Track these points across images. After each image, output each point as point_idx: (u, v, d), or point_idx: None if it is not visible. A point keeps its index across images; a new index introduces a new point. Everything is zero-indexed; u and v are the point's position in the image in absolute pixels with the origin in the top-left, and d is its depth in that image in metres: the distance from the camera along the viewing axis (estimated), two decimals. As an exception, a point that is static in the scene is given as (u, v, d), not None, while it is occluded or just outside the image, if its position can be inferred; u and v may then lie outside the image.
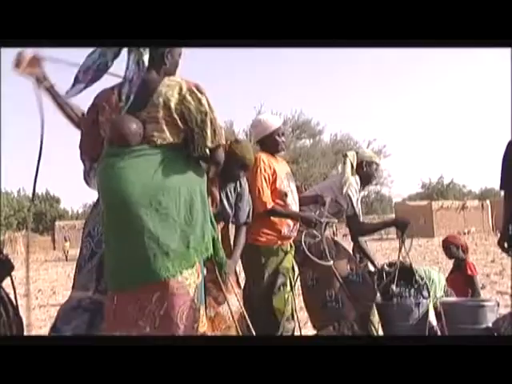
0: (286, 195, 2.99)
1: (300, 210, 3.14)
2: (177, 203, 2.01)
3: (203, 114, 2.06)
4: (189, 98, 2.05)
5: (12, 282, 2.31)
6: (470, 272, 4.13)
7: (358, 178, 3.48)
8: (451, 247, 4.27)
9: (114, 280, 2.00)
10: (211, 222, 2.20)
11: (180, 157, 2.09)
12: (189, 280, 1.99)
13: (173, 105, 2.04)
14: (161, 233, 1.94)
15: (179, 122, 2.06)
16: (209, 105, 2.09)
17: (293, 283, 3.09)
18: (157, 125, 2.04)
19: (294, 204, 3.08)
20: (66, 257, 21.17)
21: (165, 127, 2.05)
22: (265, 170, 2.94)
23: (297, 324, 3.07)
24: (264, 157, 2.99)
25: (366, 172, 3.54)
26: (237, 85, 62.60)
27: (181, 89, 2.07)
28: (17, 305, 2.30)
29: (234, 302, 2.51)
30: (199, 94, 2.08)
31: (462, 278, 4.07)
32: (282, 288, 2.93)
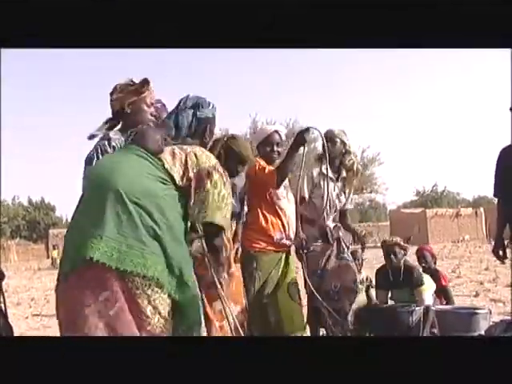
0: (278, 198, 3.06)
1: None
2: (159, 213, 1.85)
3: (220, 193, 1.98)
4: (216, 176, 1.98)
5: (1, 290, 2.31)
6: (444, 283, 4.19)
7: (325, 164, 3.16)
8: (427, 255, 4.31)
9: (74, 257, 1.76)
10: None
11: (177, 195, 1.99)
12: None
13: (195, 170, 1.97)
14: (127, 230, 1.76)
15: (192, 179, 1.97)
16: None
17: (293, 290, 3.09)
18: (173, 159, 1.98)
19: (291, 214, 3.11)
20: (53, 264, 20.92)
21: (178, 165, 1.97)
22: (263, 165, 3.04)
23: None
24: (260, 160, 3.09)
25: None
26: (232, 92, 62.89)
27: (215, 168, 2.00)
28: (6, 311, 2.30)
29: (238, 311, 2.53)
30: (224, 178, 2.02)
31: (436, 289, 4.08)
32: (277, 295, 2.97)
